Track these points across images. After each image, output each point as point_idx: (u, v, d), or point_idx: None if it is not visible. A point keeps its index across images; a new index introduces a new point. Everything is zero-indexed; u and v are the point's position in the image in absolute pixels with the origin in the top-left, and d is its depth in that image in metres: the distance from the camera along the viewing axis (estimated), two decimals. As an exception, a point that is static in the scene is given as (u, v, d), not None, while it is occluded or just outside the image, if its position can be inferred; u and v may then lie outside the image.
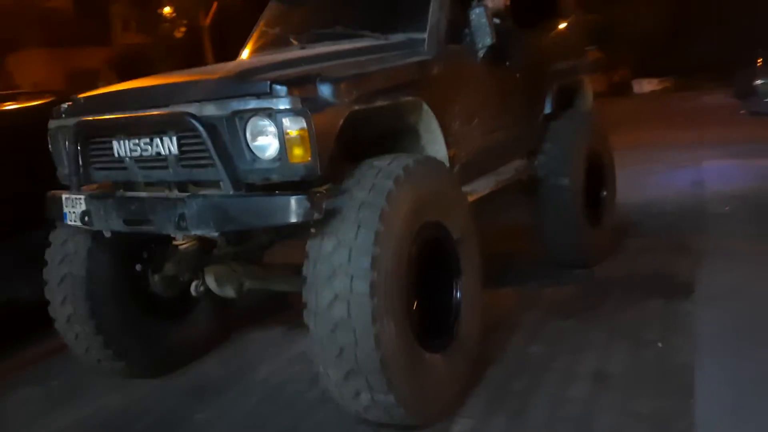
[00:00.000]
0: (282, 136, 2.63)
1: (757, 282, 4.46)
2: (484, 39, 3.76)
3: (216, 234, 3.01)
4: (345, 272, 2.59)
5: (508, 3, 4.37)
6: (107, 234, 3.23)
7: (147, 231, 3.05)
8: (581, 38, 5.53)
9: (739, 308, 4.06)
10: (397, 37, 3.70)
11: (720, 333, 3.77)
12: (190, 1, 14.88)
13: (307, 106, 2.63)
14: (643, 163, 8.73)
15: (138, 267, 3.75)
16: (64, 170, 3.39)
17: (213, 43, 14.08)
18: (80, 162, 3.22)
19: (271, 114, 2.64)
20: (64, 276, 3.52)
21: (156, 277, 3.76)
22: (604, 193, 5.30)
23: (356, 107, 2.87)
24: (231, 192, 2.75)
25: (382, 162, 2.90)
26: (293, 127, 2.62)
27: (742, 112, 10.27)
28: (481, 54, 3.85)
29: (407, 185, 2.81)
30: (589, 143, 4.92)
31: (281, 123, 2.62)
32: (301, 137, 2.62)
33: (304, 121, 2.62)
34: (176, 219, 2.82)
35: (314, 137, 2.63)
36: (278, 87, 2.65)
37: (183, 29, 20.00)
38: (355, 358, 2.61)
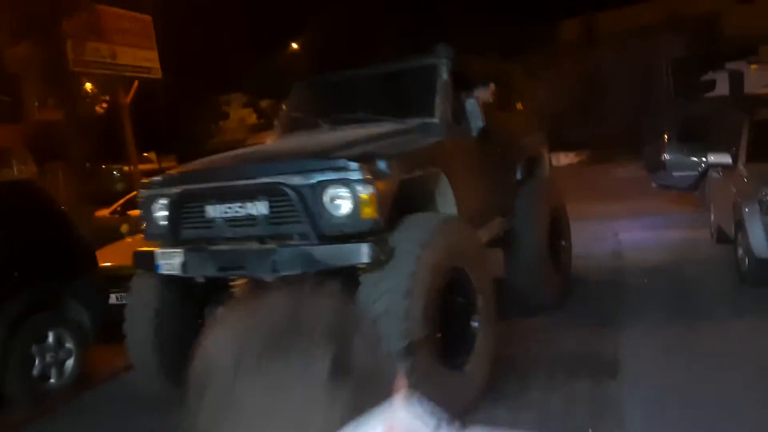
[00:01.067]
0: (356, 199, 3.51)
1: (678, 358, 4.47)
2: (477, 122, 4.74)
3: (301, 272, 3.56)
4: (386, 299, 3.36)
5: (493, 94, 5.36)
6: (200, 279, 3.97)
7: (238, 275, 3.90)
8: (536, 117, 6.73)
9: (665, 387, 4.01)
10: (413, 122, 4.57)
11: (648, 416, 3.69)
12: (109, 78, 14.61)
13: (373, 177, 3.53)
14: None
15: (196, 309, 4.30)
16: (153, 230, 4.13)
17: (133, 121, 13.84)
18: (174, 223, 3.94)
19: (347, 183, 3.52)
20: (141, 316, 4.16)
21: (207, 314, 4.28)
22: (563, 243, 6.31)
23: (403, 177, 3.82)
24: (315, 242, 3.55)
25: (421, 219, 3.83)
26: (364, 192, 3.51)
27: (653, 185, 10.73)
28: (474, 133, 4.77)
29: (439, 238, 3.70)
30: (551, 204, 5.97)
31: (355, 189, 3.51)
32: (371, 200, 3.51)
33: (372, 188, 3.51)
34: (270, 264, 3.60)
35: (379, 200, 3.54)
36: (352, 163, 3.56)
37: (104, 106, 19.57)
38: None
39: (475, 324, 3.98)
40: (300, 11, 30.81)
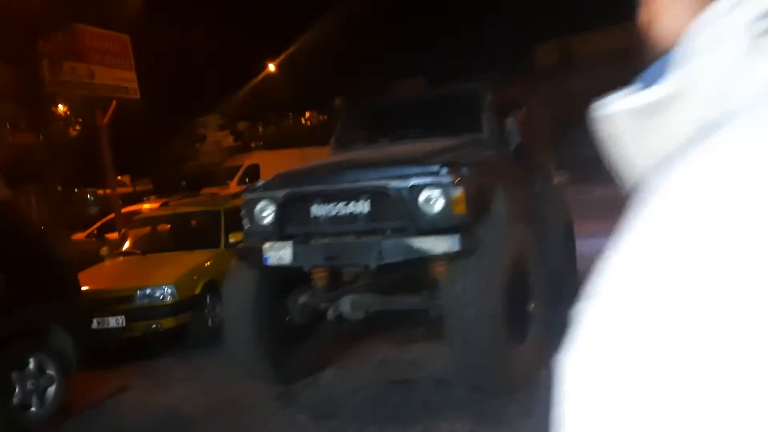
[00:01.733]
0: (449, 198, 4.20)
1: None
2: (516, 139, 5.45)
3: (400, 260, 4.29)
4: (474, 281, 4.05)
5: (523, 116, 5.97)
6: (306, 269, 4.69)
7: (344, 264, 4.59)
8: (546, 138, 7.26)
9: None
10: (465, 137, 5.16)
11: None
12: (84, 101, 14.36)
13: (462, 180, 4.23)
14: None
15: (281, 300, 4.95)
16: (256, 228, 4.69)
17: (111, 142, 13.60)
18: (280, 221, 4.56)
19: (441, 185, 4.21)
20: (241, 305, 4.71)
21: (296, 306, 4.96)
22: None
23: (480, 182, 4.47)
24: (413, 234, 4.21)
25: (497, 219, 4.57)
26: (457, 192, 4.21)
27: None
28: (512, 149, 5.42)
29: (512, 235, 4.55)
30: (566, 212, 6.97)
31: (449, 190, 4.20)
32: (461, 198, 4.21)
33: (462, 189, 4.22)
34: (376, 253, 4.24)
35: (467, 199, 4.21)
36: (445, 168, 4.25)
37: (78, 128, 19.25)
38: (474, 342, 4.02)
39: (531, 309, 4.65)
40: (276, 35, 30.91)
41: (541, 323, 4.61)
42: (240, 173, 24.49)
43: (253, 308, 4.74)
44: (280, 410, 4.88)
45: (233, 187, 24.24)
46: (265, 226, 4.68)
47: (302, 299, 4.99)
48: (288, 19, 31.90)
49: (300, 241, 4.51)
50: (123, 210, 13.31)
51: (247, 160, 25.10)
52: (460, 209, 4.26)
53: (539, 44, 32.40)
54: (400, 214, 4.35)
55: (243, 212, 4.83)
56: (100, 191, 18.87)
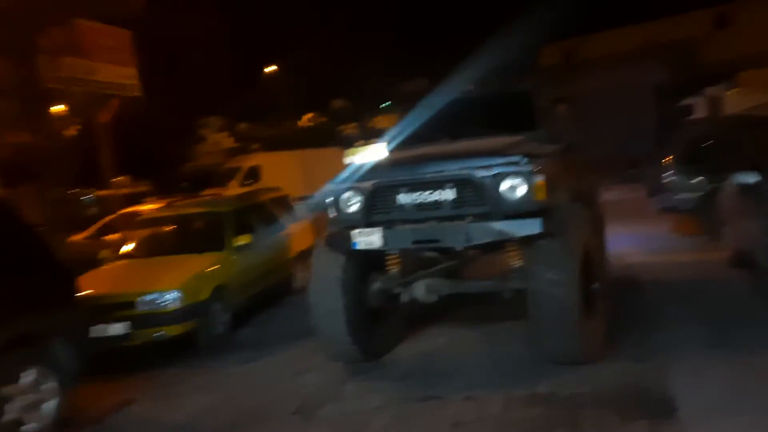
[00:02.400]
0: (531, 185, 4.57)
1: (740, 395, 4.05)
2: (566, 135, 5.85)
3: (486, 242, 4.69)
4: (557, 268, 4.51)
5: (566, 114, 6.42)
6: (395, 251, 5.18)
7: (432, 247, 4.97)
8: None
9: (734, 426, 3.58)
10: (523, 134, 5.38)
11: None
12: (84, 98, 13.95)
13: (541, 170, 4.64)
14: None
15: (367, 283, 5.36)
16: (341, 216, 5.02)
17: (112, 141, 13.20)
18: (367, 209, 4.91)
19: (523, 174, 4.58)
20: (330, 288, 5.11)
21: (373, 290, 5.37)
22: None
23: (554, 172, 4.86)
24: (498, 218, 4.59)
25: (571, 206, 5.06)
26: (537, 180, 4.58)
27: (655, 207, 10.46)
28: (564, 144, 5.71)
29: (584, 220, 5.10)
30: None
31: (531, 178, 4.58)
32: (542, 186, 4.59)
33: (542, 177, 4.61)
34: (464, 236, 4.62)
35: (546, 187, 4.61)
36: (526, 159, 4.65)
37: (77, 127, 18.80)
38: (560, 318, 4.51)
39: (595, 287, 5.07)
40: (278, 36, 30.53)
41: (602, 300, 5.13)
42: (242, 174, 24.16)
43: (340, 290, 5.15)
44: (299, 426, 4.51)
45: (234, 188, 23.94)
46: (351, 215, 5.02)
47: (378, 284, 5.41)
48: (289, 21, 31.49)
49: (388, 226, 4.87)
50: (123, 211, 12.87)
51: (248, 162, 24.74)
52: (541, 196, 4.66)
53: (542, 46, 32.06)
54: (483, 201, 4.72)
55: (328, 202, 5.16)
56: (100, 192, 18.43)
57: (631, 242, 9.77)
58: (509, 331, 5.93)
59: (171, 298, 6.20)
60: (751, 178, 6.40)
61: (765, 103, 17.06)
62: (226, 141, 34.76)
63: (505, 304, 5.16)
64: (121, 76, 12.72)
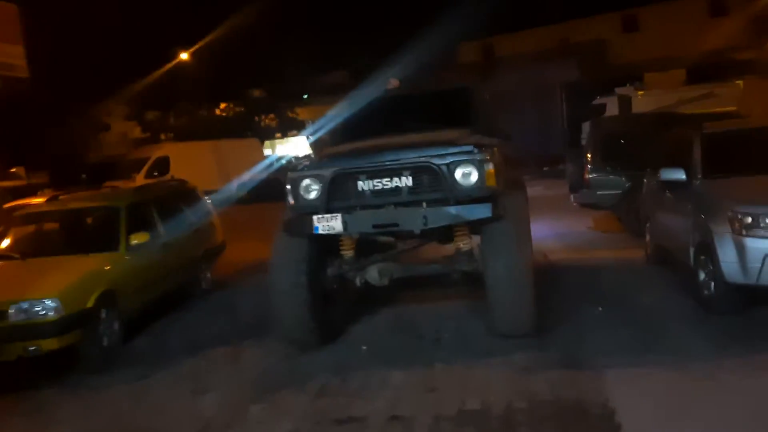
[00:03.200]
0: (482, 173, 4.94)
1: (683, 405, 3.76)
2: (502, 128, 6.56)
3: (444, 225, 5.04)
4: (514, 248, 4.98)
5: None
6: (355, 236, 5.41)
7: (391, 230, 5.20)
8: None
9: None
10: (465, 128, 5.72)
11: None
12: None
13: (491, 158, 5.02)
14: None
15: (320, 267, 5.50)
16: (302, 203, 5.20)
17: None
18: (327, 195, 5.11)
19: (476, 162, 4.95)
20: (290, 272, 5.25)
21: (329, 272, 5.52)
22: None
23: (500, 161, 5.25)
24: (452, 203, 4.95)
25: (514, 190, 5.71)
26: (488, 167, 4.96)
27: (574, 203, 10.40)
28: (501, 137, 6.26)
29: (525, 205, 6.10)
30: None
31: (483, 165, 4.95)
32: (492, 173, 4.98)
33: (492, 165, 4.99)
34: (422, 220, 4.91)
35: (496, 174, 5.01)
36: (478, 149, 5.02)
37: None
38: (517, 293, 4.94)
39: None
40: (192, 21, 28.93)
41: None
42: (148, 166, 22.68)
43: (299, 274, 5.26)
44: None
45: (139, 180, 22.43)
46: (311, 201, 5.19)
47: (332, 268, 5.58)
48: (205, 6, 29.95)
49: (348, 212, 5.07)
50: (7, 205, 11.53)
51: (156, 152, 23.29)
52: (491, 182, 4.99)
53: (462, 42, 32.22)
54: (439, 187, 4.99)
55: (287, 189, 5.28)
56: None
57: (553, 238, 9.65)
58: (437, 335, 5.53)
59: (48, 306, 5.31)
60: (672, 174, 6.26)
61: (671, 104, 17.70)
62: (133, 131, 32.84)
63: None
64: (5, 54, 11.37)
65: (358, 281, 5.62)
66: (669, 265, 6.92)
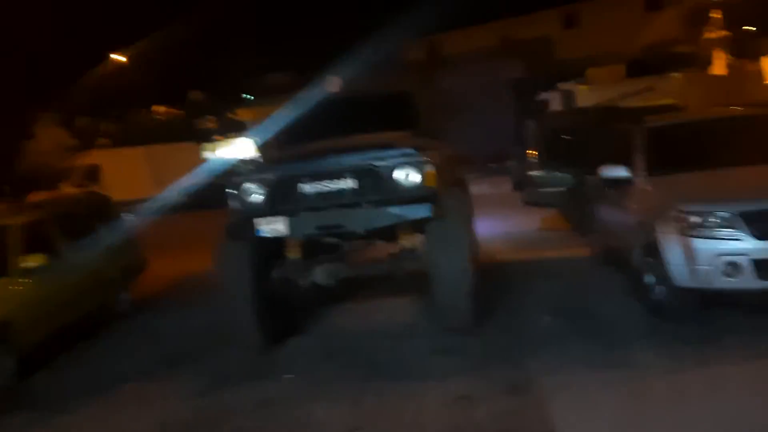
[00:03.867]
0: (423, 174, 5.11)
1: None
2: (443, 131, 6.61)
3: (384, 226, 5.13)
4: (455, 245, 5.11)
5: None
6: (300, 238, 5.37)
7: (335, 232, 5.26)
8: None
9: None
10: (407, 131, 5.81)
11: None
12: None
13: (431, 160, 5.21)
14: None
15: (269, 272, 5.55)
16: (247, 206, 5.29)
17: None
18: (272, 199, 5.25)
19: (415, 164, 5.12)
20: (238, 276, 5.28)
21: (276, 275, 5.57)
22: None
23: (441, 162, 5.47)
24: (394, 204, 5.06)
25: (454, 191, 5.84)
26: (428, 169, 5.14)
27: (521, 202, 10.09)
28: (442, 139, 6.42)
29: (466, 205, 6.36)
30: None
31: (423, 167, 5.12)
32: (432, 174, 5.16)
33: (432, 166, 5.17)
34: (365, 221, 5.08)
35: (437, 174, 5.21)
36: (418, 151, 5.21)
37: None
38: (458, 289, 5.07)
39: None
40: (126, 24, 27.59)
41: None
42: (75, 175, 21.49)
43: (244, 277, 5.27)
44: None
45: (67, 191, 21.20)
46: (254, 205, 5.23)
47: (279, 271, 5.57)
48: (139, 9, 28.62)
49: (292, 214, 5.11)
50: None
51: (86, 160, 22.12)
52: (431, 183, 5.11)
53: (407, 40, 31.88)
54: (380, 188, 5.09)
55: (232, 194, 5.33)
56: None
57: (501, 237, 9.29)
58: (371, 357, 5.03)
59: None
60: (613, 172, 5.92)
61: (614, 98, 17.70)
62: (63, 138, 31.19)
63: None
64: None
65: (305, 283, 5.63)
66: (616, 265, 6.60)
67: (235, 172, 5.58)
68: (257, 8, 33.41)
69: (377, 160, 5.09)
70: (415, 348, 5.13)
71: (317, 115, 6.53)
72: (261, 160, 5.79)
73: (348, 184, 5.10)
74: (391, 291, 6.49)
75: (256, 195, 5.24)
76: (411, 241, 5.38)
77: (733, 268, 4.47)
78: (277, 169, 5.33)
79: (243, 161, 28.06)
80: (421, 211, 5.00)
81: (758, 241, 4.43)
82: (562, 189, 9.26)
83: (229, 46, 30.22)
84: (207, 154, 33.52)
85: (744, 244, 4.46)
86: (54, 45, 24.79)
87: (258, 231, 5.11)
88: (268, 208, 5.17)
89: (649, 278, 5.23)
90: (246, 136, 33.54)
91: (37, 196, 20.07)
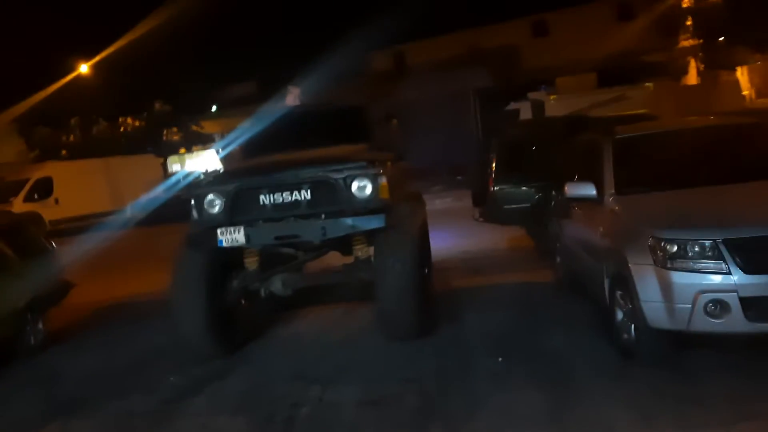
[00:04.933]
0: (376, 186, 5.25)
1: None
2: (397, 145, 6.85)
3: (342, 234, 5.28)
4: (399, 255, 5.17)
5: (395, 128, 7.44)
6: (258, 248, 5.54)
7: (293, 242, 5.43)
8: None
9: None
10: (362, 144, 6.08)
11: None
12: None
13: (384, 173, 5.36)
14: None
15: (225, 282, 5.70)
16: (206, 217, 5.40)
17: None
18: (230, 209, 5.32)
19: (370, 176, 5.26)
20: (191, 285, 5.36)
21: (232, 287, 5.71)
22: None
23: (393, 175, 5.63)
24: (349, 215, 5.21)
25: (407, 203, 6.00)
26: (381, 181, 5.28)
27: (479, 219, 9.27)
28: (396, 153, 6.62)
29: (417, 218, 6.02)
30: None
31: (376, 179, 5.26)
32: (385, 186, 5.31)
33: (385, 178, 5.32)
34: (321, 231, 5.18)
35: (389, 187, 5.35)
36: (372, 164, 5.36)
37: None
38: (404, 298, 5.15)
39: (426, 272, 6.11)
40: (88, 32, 26.44)
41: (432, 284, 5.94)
42: (27, 188, 20.28)
43: (199, 288, 5.33)
44: None
45: (18, 205, 20.02)
46: (214, 215, 5.35)
47: (237, 281, 5.70)
48: (102, 18, 27.51)
49: (251, 224, 5.23)
50: None
51: (37, 173, 20.92)
52: (384, 195, 5.27)
53: (374, 51, 31.28)
54: (336, 200, 5.22)
55: (191, 204, 5.46)
56: None
57: (458, 257, 8.55)
58: (290, 413, 4.21)
59: None
60: (579, 190, 5.20)
61: (584, 108, 17.14)
62: (20, 149, 29.82)
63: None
64: None
65: (263, 292, 5.82)
66: (582, 293, 5.87)
67: (196, 183, 5.84)
68: (223, 18, 32.52)
69: (333, 172, 5.25)
70: (344, 394, 4.38)
71: (277, 128, 6.78)
72: (222, 171, 5.87)
73: (305, 195, 5.26)
74: (344, 299, 6.65)
75: (216, 205, 5.37)
76: (364, 251, 5.61)
77: (717, 307, 3.75)
78: (236, 180, 5.44)
79: (206, 173, 27.25)
80: (374, 222, 5.17)
81: (747, 276, 3.71)
82: (525, 205, 8.56)
83: (194, 57, 29.19)
84: (173, 167, 32.50)
85: (730, 279, 3.74)
86: (15, 56, 23.60)
87: (219, 241, 5.24)
88: (228, 219, 5.30)
89: (619, 314, 4.49)
90: (211, 149, 32.70)
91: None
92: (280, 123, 6.83)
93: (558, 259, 6.69)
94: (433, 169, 19.39)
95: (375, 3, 22.65)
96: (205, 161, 32.51)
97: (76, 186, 20.95)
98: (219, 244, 5.23)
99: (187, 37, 27.21)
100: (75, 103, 27.78)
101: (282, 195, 5.24)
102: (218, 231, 5.22)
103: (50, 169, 21.32)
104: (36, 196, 20.19)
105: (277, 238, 5.26)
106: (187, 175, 26.35)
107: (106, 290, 9.16)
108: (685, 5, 24.57)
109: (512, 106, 20.14)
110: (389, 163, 5.74)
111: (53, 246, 7.82)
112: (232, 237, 5.20)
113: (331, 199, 5.22)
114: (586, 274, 5.44)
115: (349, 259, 5.80)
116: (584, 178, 5.33)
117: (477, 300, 6.56)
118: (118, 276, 10.37)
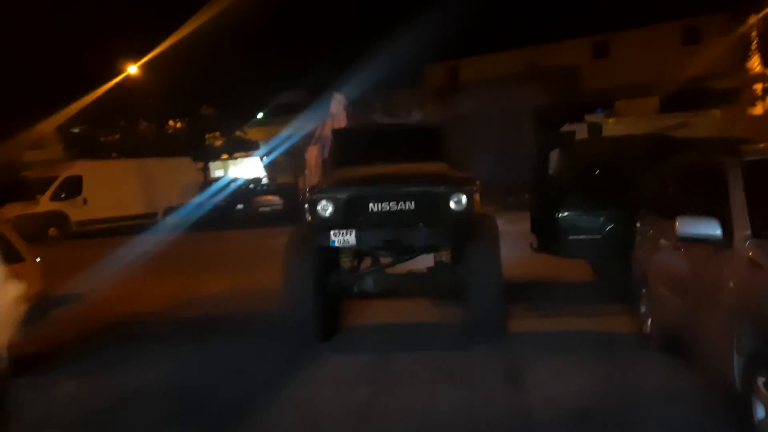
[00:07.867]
0: (471, 200, 5.92)
1: None
2: (469, 163, 7.43)
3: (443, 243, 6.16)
4: (492, 261, 5.87)
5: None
6: (365, 249, 6.31)
7: (396, 245, 6.03)
8: None
9: None
10: (441, 161, 6.86)
11: None
12: None
13: (477, 188, 6.03)
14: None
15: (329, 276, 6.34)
16: (317, 220, 5.97)
17: None
18: (343, 214, 5.94)
19: (465, 191, 5.91)
20: (305, 278, 5.93)
21: (332, 280, 6.30)
22: None
23: (480, 190, 6.17)
24: (447, 225, 5.90)
25: (491, 218, 6.63)
26: (475, 196, 5.95)
27: (537, 249, 7.94)
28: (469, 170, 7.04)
29: (497, 228, 6.52)
30: None
31: (471, 195, 5.93)
32: (478, 201, 6.00)
33: (478, 194, 6.01)
34: (423, 238, 5.88)
35: (480, 201, 6.05)
36: (467, 180, 6.08)
37: None
38: (495, 300, 5.78)
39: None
40: (136, 36, 26.02)
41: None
42: (55, 186, 19.64)
43: (310, 280, 5.92)
44: None
45: (44, 203, 19.42)
46: (327, 219, 5.94)
47: (335, 276, 6.35)
48: (154, 19, 27.16)
49: (361, 228, 5.85)
50: None
51: (66, 171, 20.28)
52: (478, 208, 5.99)
53: (429, 63, 30.24)
54: (435, 211, 5.88)
55: (306, 208, 6.15)
56: None
57: (509, 289, 7.32)
58: None
59: None
60: (698, 229, 3.88)
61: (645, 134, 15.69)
62: (59, 146, 29.54)
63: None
64: None
65: (356, 289, 6.36)
66: (685, 357, 4.50)
67: (311, 189, 6.36)
68: (275, 25, 31.98)
69: (434, 187, 5.91)
70: None
71: (360, 142, 7.61)
72: (333, 180, 6.43)
73: (408, 205, 5.87)
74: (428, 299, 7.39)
75: (329, 210, 5.94)
76: (447, 256, 6.32)
77: None
78: (349, 188, 6.03)
79: (254, 179, 26.28)
80: (468, 232, 5.86)
81: None
82: (595, 237, 7.23)
83: (245, 63, 28.45)
84: (215, 172, 31.83)
85: None
86: (66, 58, 23.27)
87: (332, 241, 5.78)
88: (341, 222, 5.86)
89: (760, 411, 3.16)
90: (254, 155, 31.93)
91: (13, 207, 18.40)
92: (360, 138, 7.84)
93: (643, 309, 5.36)
94: (484, 188, 18.10)
95: (432, 16, 21.62)
96: (249, 168, 31.82)
97: (107, 186, 20.26)
98: (331, 244, 5.81)
99: (237, 41, 26.63)
100: (120, 104, 27.33)
101: (389, 204, 5.87)
102: (331, 233, 5.77)
103: (80, 168, 20.66)
104: (63, 195, 19.59)
105: (384, 241, 5.91)
106: (232, 180, 25.47)
107: (108, 304, 8.19)
108: (756, 32, 22.95)
109: (568, 127, 18.82)
110: (476, 180, 6.19)
111: (34, 257, 6.71)
112: (343, 238, 5.77)
113: (432, 210, 5.85)
114: (697, 339, 4.09)
115: (431, 264, 6.51)
116: (691, 210, 4.03)
117: (549, 354, 5.29)
118: (131, 286, 9.50)
